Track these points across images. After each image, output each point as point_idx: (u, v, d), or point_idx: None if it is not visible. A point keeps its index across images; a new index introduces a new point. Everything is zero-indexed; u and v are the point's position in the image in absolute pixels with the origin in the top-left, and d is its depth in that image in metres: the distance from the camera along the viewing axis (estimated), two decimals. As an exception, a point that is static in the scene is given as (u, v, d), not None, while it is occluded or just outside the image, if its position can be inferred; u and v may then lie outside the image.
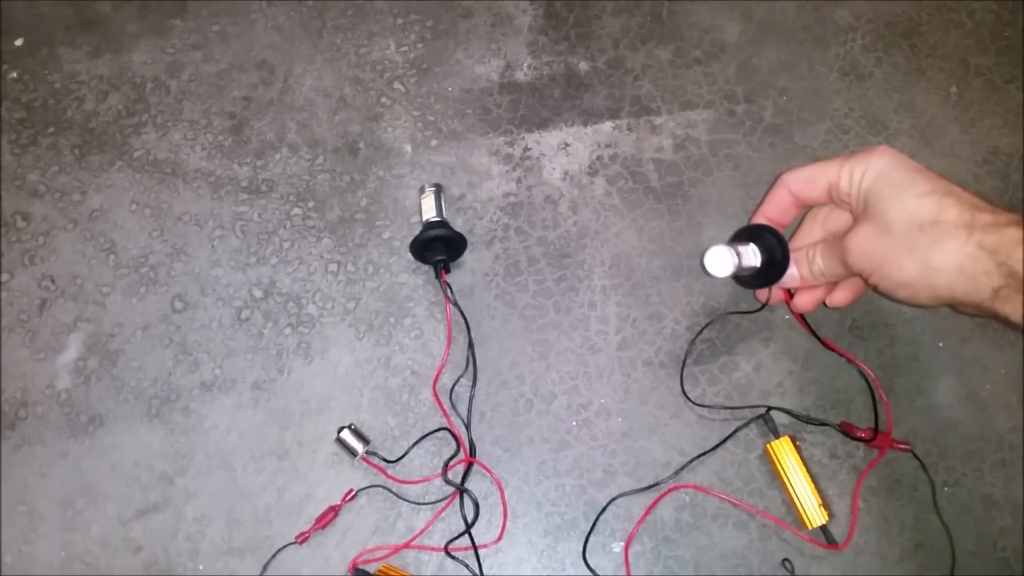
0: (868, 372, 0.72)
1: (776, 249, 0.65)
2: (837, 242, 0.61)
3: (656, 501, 0.70)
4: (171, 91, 0.88)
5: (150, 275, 0.80)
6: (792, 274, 0.65)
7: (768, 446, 0.70)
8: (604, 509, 0.70)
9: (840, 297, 0.68)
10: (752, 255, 0.65)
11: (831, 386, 0.73)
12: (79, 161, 0.85)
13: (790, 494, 0.69)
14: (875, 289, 0.60)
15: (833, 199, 0.63)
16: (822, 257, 0.63)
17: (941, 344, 0.75)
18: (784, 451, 0.70)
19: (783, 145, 0.84)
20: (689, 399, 0.73)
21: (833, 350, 0.73)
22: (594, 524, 0.69)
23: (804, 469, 0.69)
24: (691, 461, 0.71)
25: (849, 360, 0.73)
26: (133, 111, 0.87)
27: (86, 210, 0.83)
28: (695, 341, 0.75)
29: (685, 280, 0.78)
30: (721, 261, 0.63)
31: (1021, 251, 0.51)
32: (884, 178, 0.58)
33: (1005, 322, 0.54)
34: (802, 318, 0.73)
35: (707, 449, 0.71)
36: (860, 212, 0.59)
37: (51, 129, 0.86)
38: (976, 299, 0.53)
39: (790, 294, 0.70)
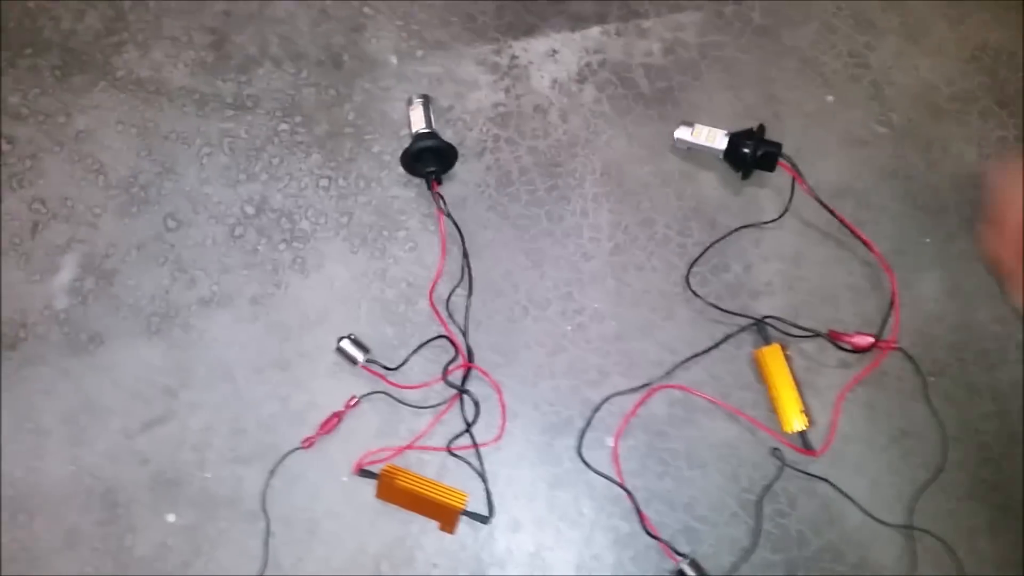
0: (880, 257, 0.77)
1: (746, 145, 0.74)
2: None
3: (645, 398, 0.75)
4: (149, 8, 0.90)
5: (141, 195, 0.83)
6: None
7: (757, 352, 0.75)
8: (599, 407, 0.74)
9: None
10: (720, 138, 0.76)
11: (819, 283, 0.78)
12: (60, 82, 0.87)
13: (773, 399, 0.74)
14: None
15: None
16: None
17: (928, 240, 0.79)
18: (772, 358, 0.74)
19: (772, 46, 0.87)
20: (693, 291, 0.77)
21: (852, 231, 0.77)
22: (589, 421, 0.74)
23: (789, 376, 0.73)
24: (684, 361, 0.75)
25: (866, 244, 0.77)
26: (112, 29, 0.89)
27: (71, 132, 0.85)
28: (712, 246, 0.79)
29: (676, 185, 0.82)
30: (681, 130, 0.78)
31: None
32: None
33: None
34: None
35: (700, 351, 0.76)
36: None
37: (28, 51, 0.88)
38: None
39: None
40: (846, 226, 0.77)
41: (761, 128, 0.79)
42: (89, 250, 0.81)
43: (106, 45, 0.88)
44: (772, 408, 0.74)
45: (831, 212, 0.77)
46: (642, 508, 0.72)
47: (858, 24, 0.87)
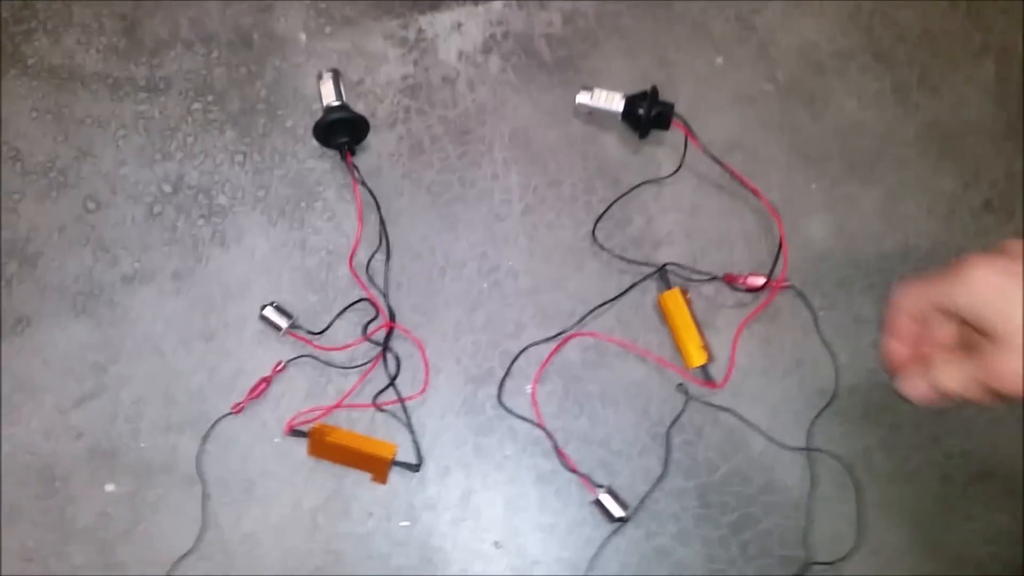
0: (768, 204, 0.82)
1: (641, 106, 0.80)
2: (974, 364, 0.58)
3: (559, 346, 0.79)
4: (57, -4, 0.91)
5: (59, 179, 0.84)
6: (913, 389, 0.62)
7: (660, 297, 0.80)
8: (517, 357, 0.79)
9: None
10: (617, 100, 0.82)
11: (715, 232, 0.83)
12: (-30, 72, 0.88)
13: (676, 339, 0.79)
14: None
15: (947, 315, 0.61)
16: (962, 385, 0.59)
17: (814, 186, 0.85)
18: (673, 301, 0.79)
19: (664, 14, 0.91)
20: (599, 244, 0.82)
21: (742, 182, 0.83)
22: (508, 370, 0.78)
23: (689, 317, 0.79)
24: (594, 310, 0.80)
25: (755, 193, 0.83)
26: (20, 18, 0.89)
27: (-15, 120, 0.86)
28: (614, 204, 0.84)
29: (580, 147, 0.86)
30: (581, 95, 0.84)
31: None
32: (1001, 301, 0.55)
33: None
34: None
35: (608, 300, 0.81)
36: (992, 335, 0.56)
37: (-65, 43, 0.89)
38: None
39: None
40: (736, 177, 0.83)
41: (655, 90, 0.83)
42: (11, 235, 0.82)
43: (15, 33, 0.89)
44: (676, 348, 0.79)
45: (721, 165, 0.82)
46: (561, 446, 0.76)
47: (745, -13, 0.93)
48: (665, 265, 0.81)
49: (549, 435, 0.76)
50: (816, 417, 0.78)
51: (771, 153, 0.86)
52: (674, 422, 0.77)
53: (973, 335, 0.60)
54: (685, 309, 0.78)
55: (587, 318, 0.80)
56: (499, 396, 0.78)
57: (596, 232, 0.83)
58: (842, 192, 0.85)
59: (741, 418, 0.78)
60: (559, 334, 0.79)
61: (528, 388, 0.78)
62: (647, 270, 0.81)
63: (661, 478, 0.76)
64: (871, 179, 0.85)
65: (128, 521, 0.74)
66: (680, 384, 0.78)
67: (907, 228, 0.84)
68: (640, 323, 0.80)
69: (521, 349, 0.79)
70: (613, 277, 0.82)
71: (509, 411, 0.77)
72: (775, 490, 0.77)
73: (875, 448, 0.78)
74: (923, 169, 0.86)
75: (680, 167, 0.83)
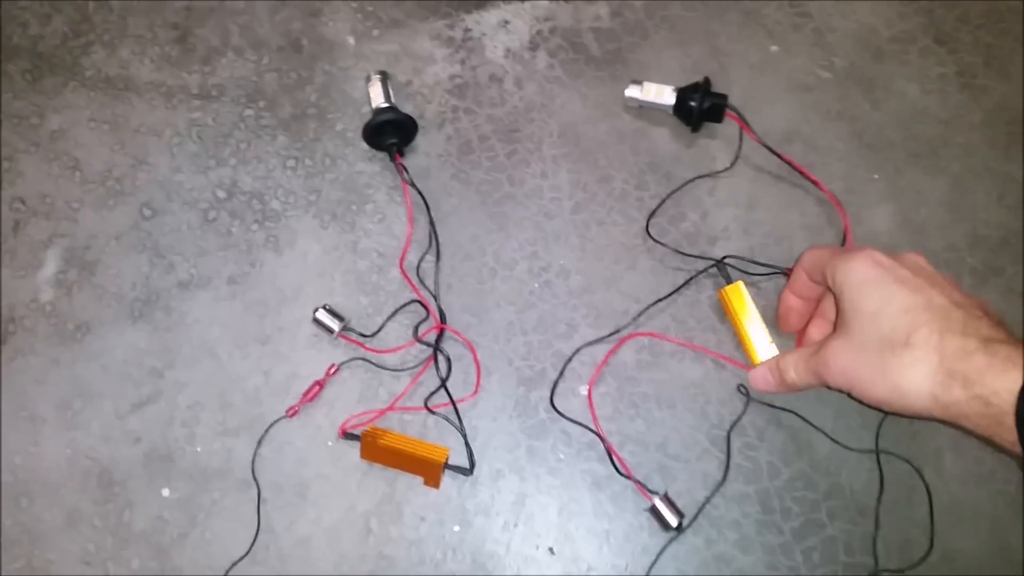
0: (831, 195, 0.79)
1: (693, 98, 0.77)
2: (813, 356, 0.59)
3: (615, 347, 0.77)
4: (113, 8, 0.91)
5: (116, 187, 0.84)
6: (760, 379, 0.64)
7: (720, 291, 0.76)
8: (570, 359, 0.77)
9: None
10: (668, 94, 0.80)
11: (774, 225, 0.80)
12: (32, 85, 0.88)
13: (740, 333, 0.75)
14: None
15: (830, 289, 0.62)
16: (796, 371, 0.61)
17: (876, 176, 0.82)
18: (736, 295, 0.76)
19: (715, 3, 0.89)
20: (653, 238, 0.80)
21: (802, 172, 0.80)
22: (561, 372, 0.76)
23: (755, 310, 0.75)
24: (648, 307, 0.77)
25: (815, 184, 0.79)
26: (79, 31, 0.91)
27: (46, 132, 0.87)
28: (667, 199, 0.81)
29: (630, 142, 0.84)
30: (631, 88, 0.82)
31: (992, 379, 0.48)
32: (862, 290, 0.55)
33: (998, 448, 0.51)
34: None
35: (662, 297, 0.78)
36: (840, 320, 0.57)
37: (-1, 58, 0.90)
38: (955, 421, 0.50)
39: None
40: (795, 168, 0.80)
41: (707, 81, 0.81)
42: (70, 243, 0.83)
43: (74, 47, 0.90)
44: (738, 345, 0.75)
45: (779, 156, 0.79)
46: (617, 451, 0.74)
47: (799, -25, 0.90)
48: (725, 258, 0.78)
49: (602, 438, 0.74)
50: (884, 418, 0.74)
51: (830, 143, 0.82)
52: (734, 424, 0.74)
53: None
54: (749, 302, 0.74)
55: (641, 317, 0.78)
56: (552, 399, 0.76)
57: (649, 227, 0.80)
58: (906, 182, 0.81)
59: (805, 420, 0.74)
60: (613, 334, 0.77)
61: (583, 390, 0.76)
62: (704, 264, 0.79)
63: (721, 483, 0.73)
64: (936, 168, 0.81)
65: (184, 525, 0.74)
66: (740, 385, 0.75)
67: (976, 218, 0.79)
68: (696, 322, 0.78)
69: (574, 351, 0.77)
70: (667, 275, 0.79)
71: (561, 414, 0.75)
72: (841, 495, 0.73)
73: (946, 449, 0.74)
74: (991, 156, 0.81)
75: (736, 159, 0.81)
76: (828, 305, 0.64)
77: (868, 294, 0.54)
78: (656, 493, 0.72)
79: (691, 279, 0.78)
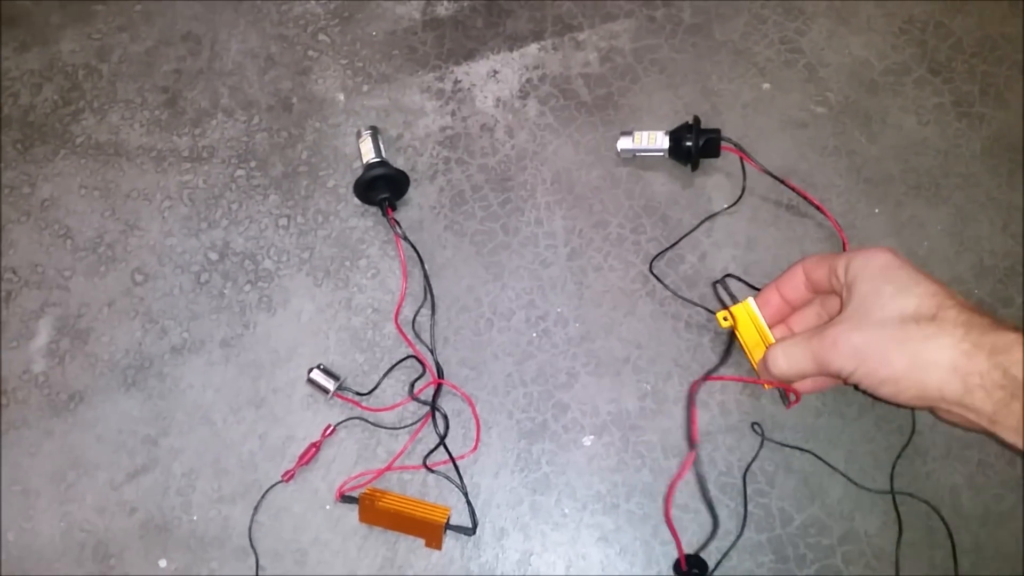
0: (834, 222, 0.77)
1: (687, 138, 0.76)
2: (813, 339, 0.59)
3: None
4: (103, 75, 0.90)
5: (108, 253, 0.82)
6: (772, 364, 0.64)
7: (730, 309, 0.70)
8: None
9: (809, 384, 0.67)
10: (660, 139, 0.79)
11: (774, 265, 0.77)
12: (23, 155, 0.87)
13: (750, 355, 0.71)
14: (856, 386, 0.58)
15: (833, 286, 0.62)
16: (788, 357, 0.61)
17: (877, 210, 0.79)
18: (744, 313, 0.71)
19: (704, 43, 0.87)
20: (656, 277, 0.77)
21: (806, 198, 0.78)
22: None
23: (765, 328, 0.71)
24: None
25: (820, 210, 0.77)
26: (69, 99, 0.90)
27: (37, 201, 0.85)
28: (675, 244, 0.79)
29: (625, 186, 0.81)
30: (622, 140, 0.81)
31: (1020, 354, 0.49)
32: (883, 273, 0.57)
33: (996, 437, 0.52)
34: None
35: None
36: (850, 305, 0.58)
37: (-10, 129, 0.89)
38: (966, 402, 0.51)
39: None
40: (799, 193, 0.77)
41: (697, 119, 0.78)
42: (62, 312, 0.81)
43: (64, 114, 0.89)
44: (752, 368, 0.71)
45: (781, 181, 0.77)
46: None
47: (787, 12, 0.87)
48: (726, 277, 0.74)
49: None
50: (897, 457, 0.70)
51: (829, 178, 0.80)
52: (749, 466, 0.71)
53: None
54: (759, 319, 0.70)
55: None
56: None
57: (653, 269, 0.77)
58: (908, 215, 0.78)
59: (819, 458, 0.70)
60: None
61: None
62: (704, 311, 0.76)
63: (739, 536, 0.69)
64: (938, 199, 0.78)
65: (182, 598, 0.71)
66: (754, 424, 0.71)
67: (981, 248, 0.76)
68: (699, 367, 0.74)
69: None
70: (667, 320, 0.76)
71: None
72: (857, 539, 0.69)
73: (963, 488, 0.70)
74: (993, 185, 0.78)
75: (743, 194, 0.78)
76: (807, 312, 0.68)
77: (891, 278, 0.56)
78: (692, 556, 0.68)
79: (709, 309, 0.75)
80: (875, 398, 0.58)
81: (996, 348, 0.50)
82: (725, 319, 0.70)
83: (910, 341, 0.53)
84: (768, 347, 0.65)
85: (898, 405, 0.57)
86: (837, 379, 0.60)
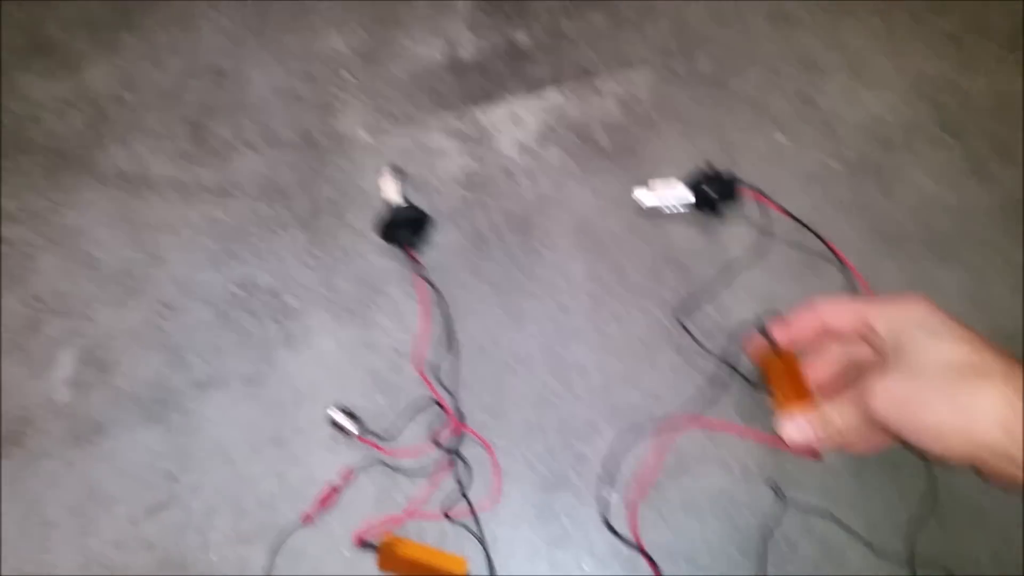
0: (856, 272, 0.73)
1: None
2: (855, 390, 0.55)
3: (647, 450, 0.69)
4: (129, 104, 0.85)
5: (132, 285, 0.78)
6: (798, 430, 0.59)
7: (766, 359, 0.64)
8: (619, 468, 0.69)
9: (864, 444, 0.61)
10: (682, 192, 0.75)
11: (791, 318, 0.73)
12: (49, 182, 0.82)
13: (781, 405, 0.64)
14: (902, 441, 0.54)
15: (863, 335, 0.58)
16: (841, 413, 0.56)
17: (892, 267, 0.74)
18: (784, 363, 0.63)
19: (720, 93, 0.83)
20: (692, 335, 0.72)
21: (827, 245, 0.74)
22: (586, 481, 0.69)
23: (804, 383, 0.63)
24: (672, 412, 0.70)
25: (831, 249, 0.74)
26: (95, 127, 0.85)
27: (63, 229, 0.80)
28: (700, 291, 0.74)
29: (644, 233, 0.77)
30: (643, 195, 0.76)
31: None
32: (923, 323, 0.53)
33: None
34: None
35: (685, 397, 0.71)
36: (891, 356, 0.54)
37: (16, 153, 0.83)
38: (1012, 452, 0.47)
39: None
40: (817, 237, 0.74)
41: (710, 165, 0.75)
42: (86, 343, 0.76)
43: (90, 143, 0.84)
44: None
45: (800, 223, 0.74)
46: (642, 563, 0.66)
47: (802, 65, 0.83)
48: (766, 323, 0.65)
49: (649, 558, 0.66)
50: (919, 527, 0.66)
51: (843, 233, 0.76)
52: (770, 535, 0.66)
53: (852, 372, 0.60)
54: (799, 372, 0.62)
55: (663, 419, 0.70)
56: (608, 523, 0.67)
57: (676, 319, 0.73)
58: (922, 272, 0.75)
59: (838, 521, 0.66)
60: (637, 433, 0.70)
61: (611, 497, 0.68)
62: (725, 363, 0.71)
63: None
64: (952, 258, 0.75)
65: (199, 639, 0.66)
66: (775, 486, 0.67)
67: (995, 309, 0.73)
68: (721, 419, 0.70)
69: (596, 454, 0.69)
70: (689, 373, 0.72)
71: (616, 533, 0.67)
72: (873, 604, 0.65)
73: (985, 561, 0.66)
74: (1008, 246, 0.75)
75: (765, 237, 0.75)
76: (828, 358, 0.62)
77: (930, 327, 0.53)
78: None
79: (731, 367, 0.71)
80: (921, 456, 0.54)
81: None
82: (763, 363, 0.64)
83: (955, 390, 0.49)
84: (821, 407, 0.59)
85: (942, 460, 0.53)
86: (890, 436, 0.56)
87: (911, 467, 0.68)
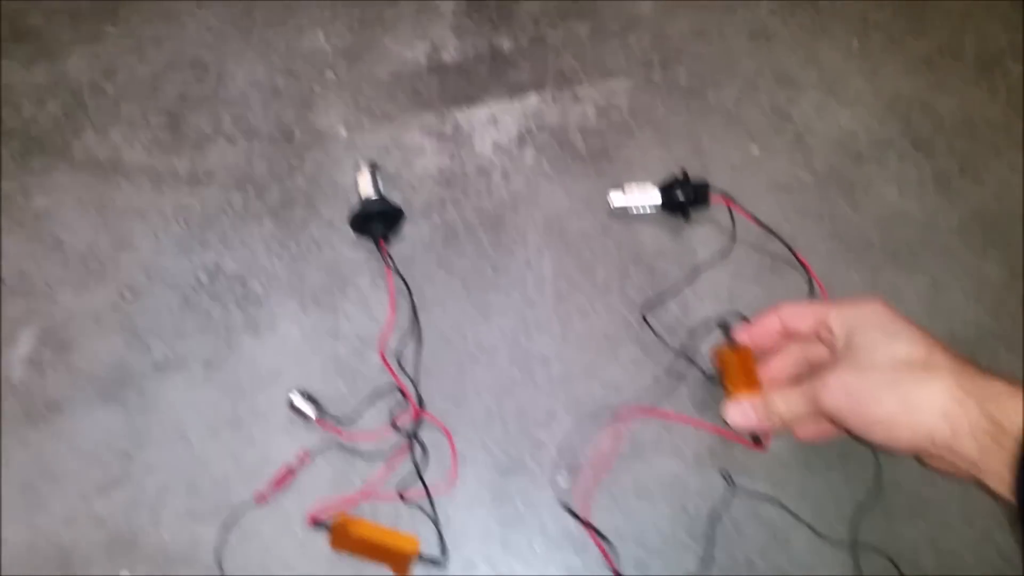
0: (817, 280, 0.80)
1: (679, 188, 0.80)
2: (807, 383, 0.62)
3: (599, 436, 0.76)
4: (108, 94, 0.93)
5: (97, 268, 0.84)
6: (741, 414, 0.68)
7: (723, 352, 0.72)
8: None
9: (811, 432, 0.70)
10: (652, 194, 0.82)
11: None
12: (21, 166, 0.89)
13: (731, 396, 0.71)
14: (848, 431, 0.61)
15: (819, 336, 0.65)
16: (787, 401, 0.64)
17: (855, 275, 0.81)
18: (740, 357, 0.71)
19: (698, 106, 0.91)
20: (655, 331, 0.79)
21: (792, 252, 0.82)
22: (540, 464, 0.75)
23: (755, 375, 0.71)
24: (629, 402, 0.77)
25: (794, 255, 0.81)
26: (72, 115, 0.92)
27: (31, 212, 0.87)
28: (683, 289, 0.81)
29: (614, 234, 0.84)
30: (615, 196, 0.84)
31: (1008, 403, 0.51)
32: (877, 322, 0.60)
33: (981, 484, 0.54)
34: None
35: (645, 389, 0.77)
36: (844, 352, 0.61)
37: (-10, 139, 0.91)
38: (954, 446, 0.53)
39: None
40: (786, 246, 0.82)
41: (684, 173, 0.82)
42: (47, 323, 0.82)
43: (66, 130, 0.91)
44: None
45: (769, 230, 0.81)
46: (592, 544, 0.72)
47: (779, 81, 0.92)
48: (727, 321, 0.75)
49: (602, 536, 0.72)
50: (863, 513, 0.72)
51: (810, 242, 0.83)
52: (718, 519, 0.72)
53: (807, 371, 0.69)
54: (753, 366, 0.71)
55: (620, 408, 0.77)
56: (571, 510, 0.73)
57: (641, 315, 0.80)
58: (885, 281, 0.81)
59: (786, 509, 0.72)
60: (594, 422, 0.76)
61: (561, 480, 0.74)
62: (682, 357, 0.78)
63: (703, 579, 0.71)
64: (914, 268, 0.82)
65: (144, 615, 0.71)
66: (725, 473, 0.73)
67: (953, 318, 0.79)
68: (675, 409, 0.76)
69: (553, 440, 0.75)
70: (649, 367, 0.78)
71: (576, 516, 0.73)
72: (819, 592, 0.71)
73: (924, 547, 0.72)
74: (968, 258, 0.82)
75: (734, 244, 0.82)
76: (785, 358, 0.70)
77: (882, 325, 0.60)
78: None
79: (686, 358, 0.78)
80: (868, 444, 0.61)
81: (985, 395, 0.52)
82: (720, 357, 0.73)
83: (903, 384, 0.55)
84: (767, 394, 0.66)
85: (887, 450, 0.60)
86: (836, 427, 0.63)
87: (858, 457, 0.73)
